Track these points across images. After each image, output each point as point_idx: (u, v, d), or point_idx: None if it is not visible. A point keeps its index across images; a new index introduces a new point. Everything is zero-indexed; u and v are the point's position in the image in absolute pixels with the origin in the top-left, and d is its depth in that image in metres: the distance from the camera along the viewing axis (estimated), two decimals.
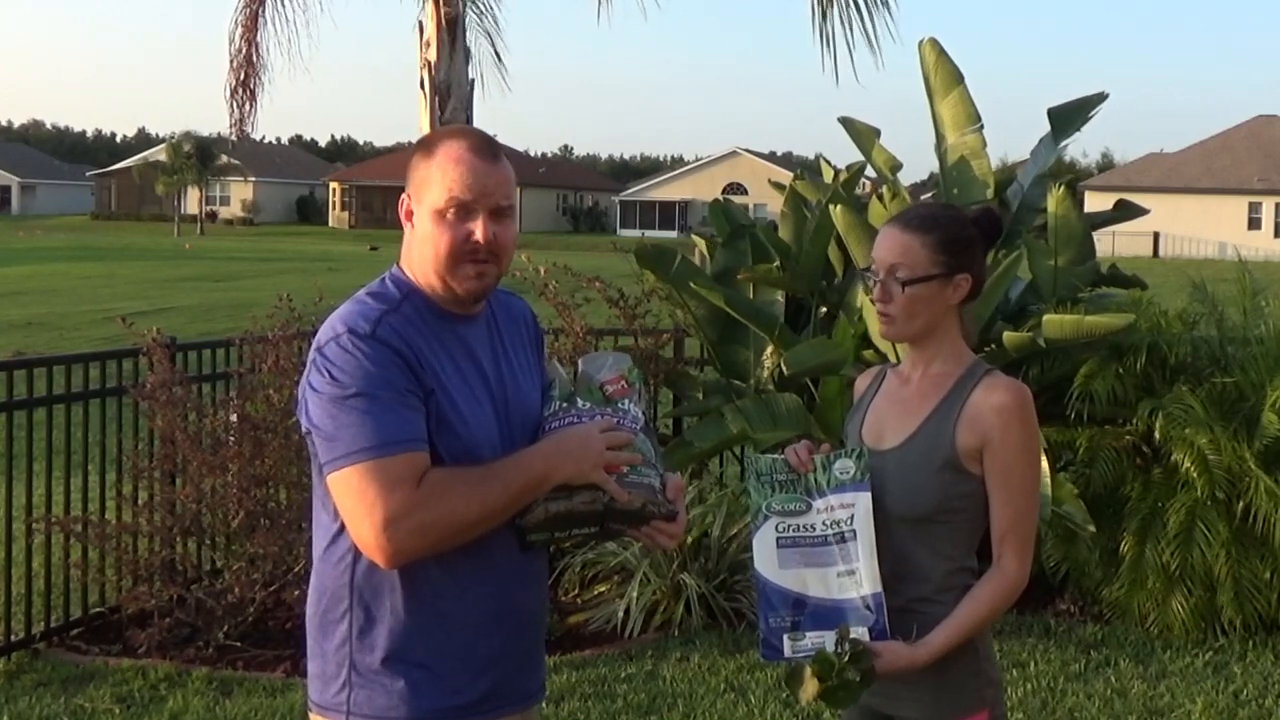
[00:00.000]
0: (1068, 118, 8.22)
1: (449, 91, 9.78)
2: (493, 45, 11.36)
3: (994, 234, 2.93)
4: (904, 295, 2.79)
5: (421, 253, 2.57)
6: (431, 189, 2.54)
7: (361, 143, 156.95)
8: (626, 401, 2.58)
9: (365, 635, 2.54)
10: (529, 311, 2.83)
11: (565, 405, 2.57)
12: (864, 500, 2.76)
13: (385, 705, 2.53)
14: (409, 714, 2.53)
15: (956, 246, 2.82)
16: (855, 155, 8.43)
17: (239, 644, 6.23)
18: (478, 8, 11.10)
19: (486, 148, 2.56)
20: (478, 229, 2.52)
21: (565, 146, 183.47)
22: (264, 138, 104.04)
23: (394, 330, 2.49)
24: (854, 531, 2.76)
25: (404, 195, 2.61)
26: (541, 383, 2.71)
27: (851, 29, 9.56)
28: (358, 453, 2.40)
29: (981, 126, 7.82)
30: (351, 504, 2.42)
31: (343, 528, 2.53)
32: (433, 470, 2.43)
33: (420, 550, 2.44)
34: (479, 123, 9.57)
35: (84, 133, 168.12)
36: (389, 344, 2.46)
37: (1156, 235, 59.34)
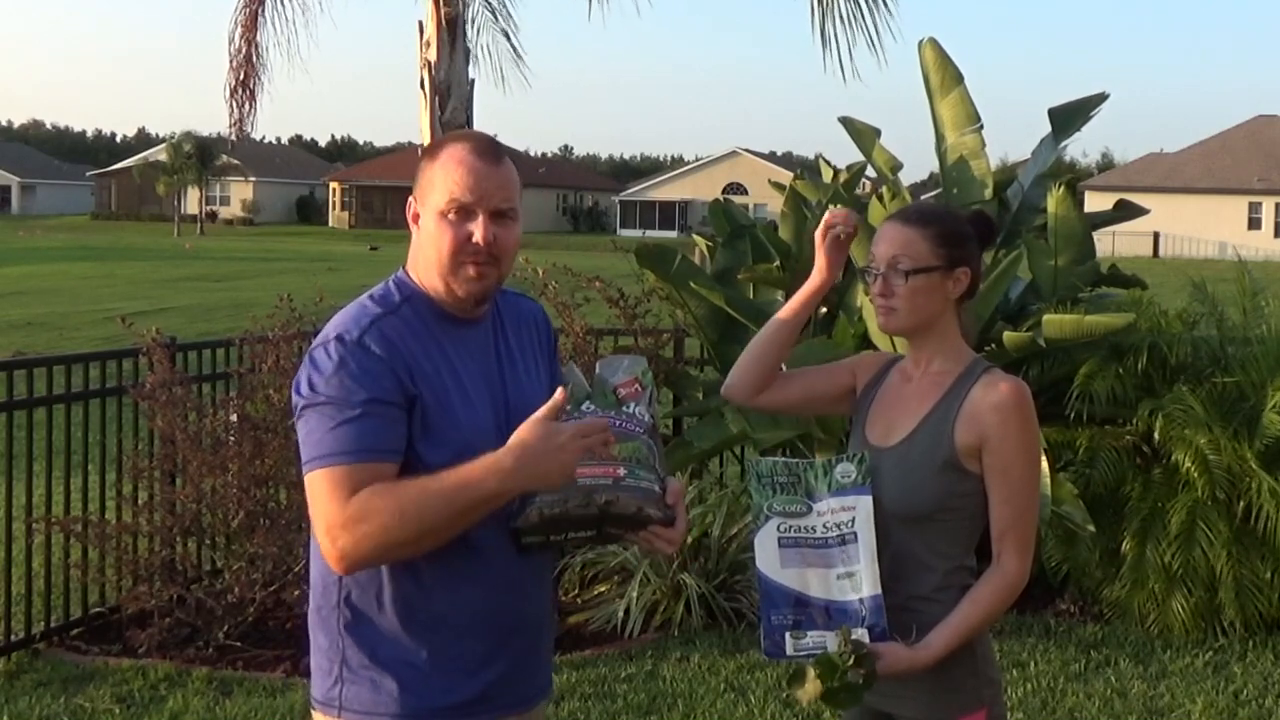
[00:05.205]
0: (1068, 118, 8.23)
1: (449, 91, 9.77)
2: (510, 42, 11.36)
3: (988, 236, 2.97)
4: (906, 286, 2.80)
5: (425, 255, 2.59)
6: (434, 191, 2.56)
7: (361, 143, 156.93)
8: (635, 405, 2.58)
9: (355, 631, 2.55)
10: (541, 313, 2.83)
11: (570, 409, 2.57)
12: (865, 504, 2.77)
13: (374, 701, 2.54)
14: (398, 711, 2.53)
15: (955, 240, 2.85)
16: (855, 155, 8.44)
17: (239, 644, 6.23)
18: (490, 6, 11.11)
19: (489, 150, 2.58)
20: (478, 230, 2.53)
21: (565, 146, 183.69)
22: (264, 138, 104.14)
23: (383, 336, 2.51)
24: (855, 534, 2.76)
25: (410, 199, 2.63)
26: (551, 385, 2.68)
27: (852, 28, 9.56)
28: (318, 459, 2.44)
29: (981, 126, 7.83)
30: (311, 509, 2.47)
31: None
32: (377, 485, 2.41)
33: (367, 559, 2.45)
34: (479, 122, 9.58)
35: (84, 133, 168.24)
36: (374, 351, 2.48)
37: (1156, 235, 59.31)
